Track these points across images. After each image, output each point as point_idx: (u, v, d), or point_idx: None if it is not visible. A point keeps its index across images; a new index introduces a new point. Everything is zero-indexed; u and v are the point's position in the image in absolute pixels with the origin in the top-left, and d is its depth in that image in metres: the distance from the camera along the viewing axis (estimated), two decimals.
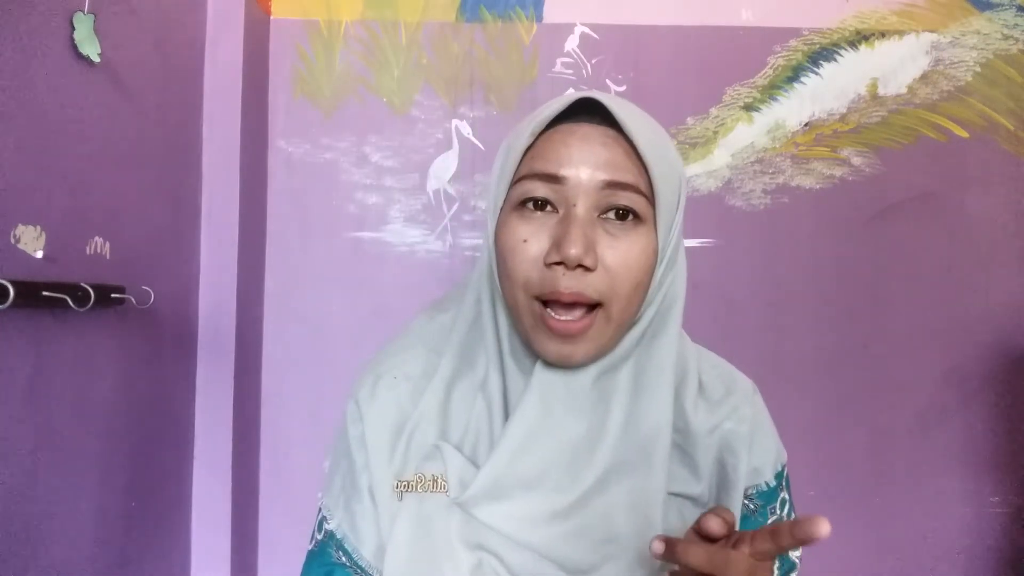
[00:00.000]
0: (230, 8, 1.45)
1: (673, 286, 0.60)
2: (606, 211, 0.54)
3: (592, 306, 0.53)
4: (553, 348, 0.54)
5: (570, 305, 0.53)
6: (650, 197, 0.54)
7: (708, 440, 0.60)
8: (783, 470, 0.64)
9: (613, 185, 0.52)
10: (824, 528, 0.42)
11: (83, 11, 1.02)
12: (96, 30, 1.05)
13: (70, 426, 1.02)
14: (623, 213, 0.53)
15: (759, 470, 0.62)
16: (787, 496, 0.64)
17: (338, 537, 0.62)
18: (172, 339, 1.34)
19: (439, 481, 0.57)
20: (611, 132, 0.54)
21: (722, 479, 0.60)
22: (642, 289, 0.55)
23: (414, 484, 0.58)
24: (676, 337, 0.60)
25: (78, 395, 1.04)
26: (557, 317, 0.53)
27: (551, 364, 0.56)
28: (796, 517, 0.63)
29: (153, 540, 1.28)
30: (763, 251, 1.62)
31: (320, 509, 0.65)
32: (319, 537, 0.64)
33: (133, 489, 1.21)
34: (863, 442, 1.60)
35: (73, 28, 1.00)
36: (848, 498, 1.60)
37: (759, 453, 0.62)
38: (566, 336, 0.53)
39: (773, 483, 0.62)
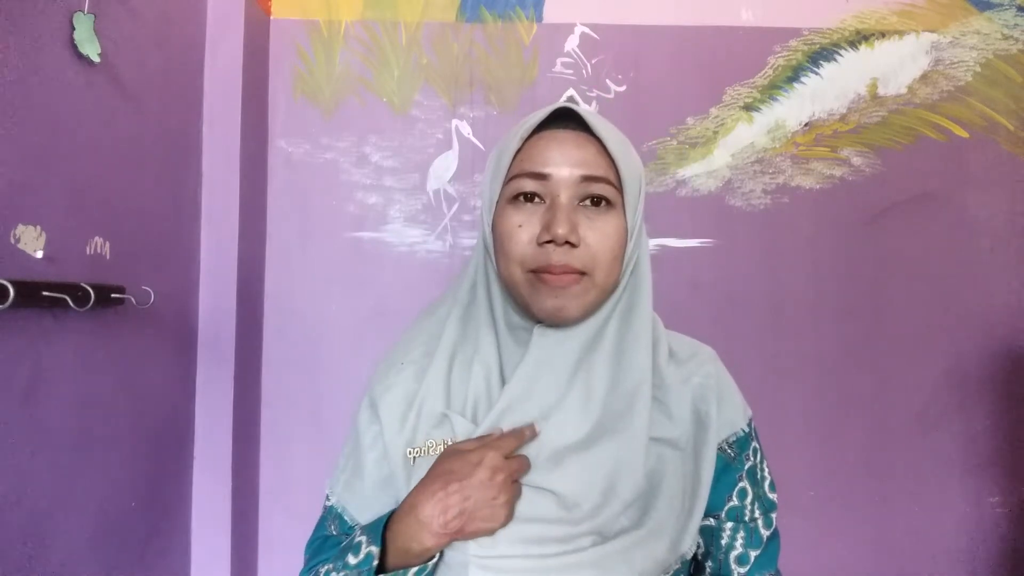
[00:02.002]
0: (230, 8, 1.45)
1: (640, 264, 0.70)
2: (584, 199, 0.65)
3: (579, 275, 0.63)
4: (549, 302, 0.63)
5: (560, 275, 0.63)
6: (618, 186, 0.66)
7: (681, 390, 0.69)
8: (751, 421, 0.73)
9: (588, 179, 0.64)
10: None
11: (83, 11, 1.02)
12: (96, 30, 1.05)
13: (70, 426, 1.02)
14: (597, 200, 0.65)
15: (732, 420, 0.70)
16: (757, 444, 0.73)
17: (337, 511, 0.71)
18: (172, 339, 1.34)
19: (448, 443, 0.66)
20: (585, 135, 0.65)
21: (697, 425, 0.69)
22: (618, 261, 0.66)
23: (425, 448, 0.66)
24: (649, 309, 0.70)
25: (78, 395, 1.04)
26: (551, 274, 0.63)
27: (547, 320, 0.65)
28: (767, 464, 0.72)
29: (153, 540, 1.28)
30: (763, 251, 1.62)
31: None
32: (321, 513, 0.74)
33: (133, 489, 1.21)
34: (863, 442, 1.60)
35: (73, 28, 1.00)
36: (848, 498, 1.60)
37: (729, 406, 0.70)
38: (559, 288, 0.63)
39: (747, 429, 0.71)
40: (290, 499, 1.58)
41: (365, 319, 1.60)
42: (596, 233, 0.63)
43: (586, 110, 0.66)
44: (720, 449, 0.69)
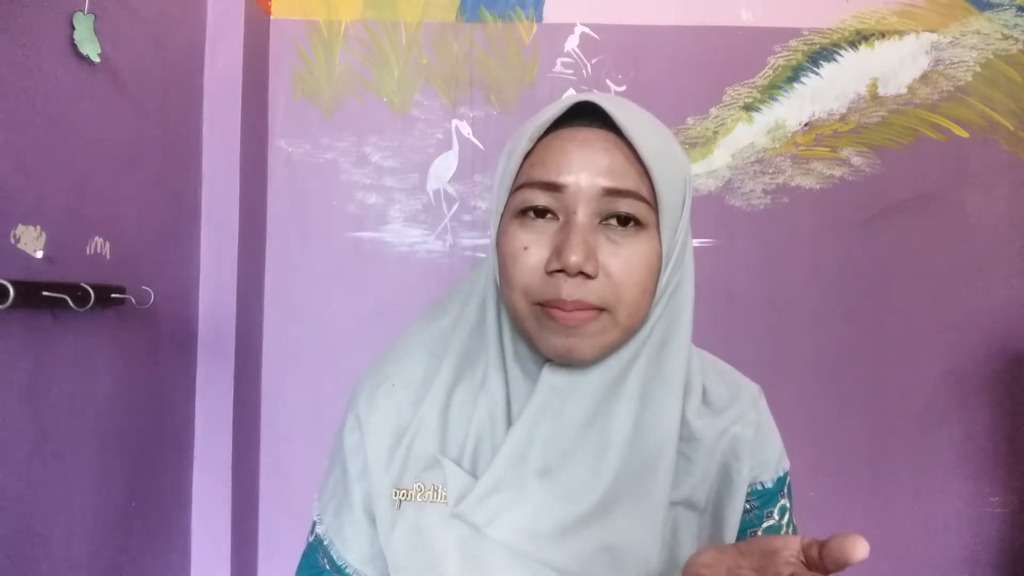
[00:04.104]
0: (230, 8, 1.45)
1: (680, 290, 0.58)
2: (607, 218, 0.53)
3: (596, 311, 0.53)
4: (557, 341, 0.52)
5: (572, 312, 0.52)
6: (652, 202, 0.53)
7: (715, 445, 0.58)
8: (785, 476, 0.63)
9: (613, 192, 0.51)
10: (861, 548, 0.36)
11: (83, 11, 1.02)
12: (96, 30, 1.05)
13: (70, 426, 1.02)
14: (624, 219, 0.52)
15: (759, 472, 0.61)
16: (787, 504, 0.63)
17: (324, 543, 0.63)
18: (172, 339, 1.34)
19: (439, 491, 0.57)
20: (611, 136, 0.53)
21: (724, 483, 0.59)
22: (648, 294, 0.54)
23: (413, 493, 0.57)
24: (686, 348, 0.58)
25: (78, 395, 1.04)
26: (561, 311, 0.52)
27: (556, 360, 0.55)
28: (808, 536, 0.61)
29: (153, 540, 1.28)
30: (763, 251, 1.62)
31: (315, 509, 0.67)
32: (310, 539, 0.65)
33: (133, 489, 1.21)
34: (863, 442, 1.60)
35: (73, 28, 1.00)
36: (848, 498, 1.60)
37: (761, 455, 0.61)
38: (569, 327, 0.52)
39: (771, 486, 0.61)
40: (290, 499, 1.58)
41: (365, 319, 1.60)
42: (620, 261, 0.51)
43: (615, 103, 0.53)
44: None
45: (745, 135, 1.63)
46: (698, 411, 0.59)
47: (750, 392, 0.63)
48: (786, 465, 0.63)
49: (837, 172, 1.63)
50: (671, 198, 0.54)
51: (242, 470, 1.49)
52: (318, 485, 0.68)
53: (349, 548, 0.61)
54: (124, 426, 1.17)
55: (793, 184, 1.63)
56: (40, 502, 0.96)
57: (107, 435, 1.13)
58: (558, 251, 0.51)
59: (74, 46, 1.01)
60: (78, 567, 1.05)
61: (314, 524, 0.66)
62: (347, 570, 0.62)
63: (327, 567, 0.62)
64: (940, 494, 1.60)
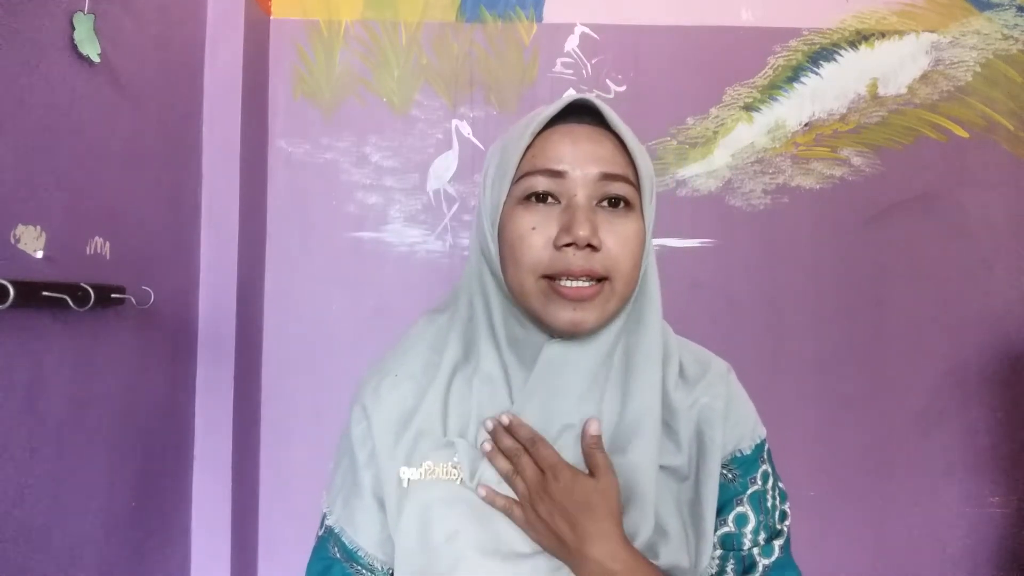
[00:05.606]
0: (230, 8, 1.45)
1: (649, 272, 0.65)
2: (602, 200, 0.60)
3: (598, 280, 0.59)
4: (566, 315, 0.58)
5: (579, 288, 0.58)
6: (637, 186, 0.61)
7: (688, 414, 0.64)
8: (762, 443, 0.68)
9: (607, 177, 0.59)
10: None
11: (83, 11, 1.02)
12: (96, 30, 1.05)
13: (70, 426, 1.02)
14: (616, 201, 0.60)
15: (735, 441, 0.66)
16: (769, 469, 0.67)
17: (335, 532, 0.66)
18: (172, 339, 1.34)
19: (447, 469, 0.61)
20: (601, 131, 0.61)
21: (700, 450, 0.64)
22: (638, 267, 0.61)
23: (421, 474, 0.61)
24: (659, 324, 0.65)
25: (78, 395, 1.04)
26: (569, 284, 0.58)
27: (562, 333, 0.60)
28: (782, 491, 0.67)
29: (153, 540, 1.28)
30: (763, 251, 1.62)
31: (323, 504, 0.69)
32: (320, 532, 0.68)
33: (133, 489, 1.21)
34: (863, 442, 1.60)
35: (73, 28, 1.00)
36: (848, 498, 1.60)
37: (734, 425, 0.66)
38: (578, 301, 0.58)
39: (749, 453, 0.66)
40: (290, 499, 1.58)
41: (365, 319, 1.60)
42: (616, 237, 0.59)
43: (603, 103, 0.62)
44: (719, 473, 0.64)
45: (745, 135, 1.63)
46: (676, 384, 0.65)
47: (719, 367, 0.69)
48: (762, 432, 0.68)
49: (837, 172, 1.63)
50: (649, 186, 0.63)
51: (242, 470, 1.49)
52: (320, 484, 0.70)
53: (360, 533, 0.64)
54: (124, 426, 1.17)
55: (793, 184, 1.63)
56: (40, 502, 0.96)
57: (107, 435, 1.13)
58: (567, 227, 0.57)
59: (74, 46, 1.01)
60: (78, 567, 1.05)
61: (323, 519, 0.68)
62: (359, 554, 0.64)
63: (338, 556, 0.65)
64: (940, 494, 1.60)
